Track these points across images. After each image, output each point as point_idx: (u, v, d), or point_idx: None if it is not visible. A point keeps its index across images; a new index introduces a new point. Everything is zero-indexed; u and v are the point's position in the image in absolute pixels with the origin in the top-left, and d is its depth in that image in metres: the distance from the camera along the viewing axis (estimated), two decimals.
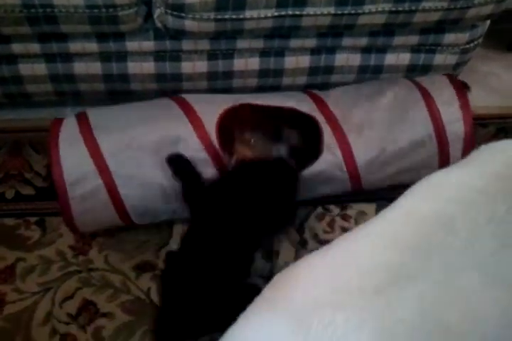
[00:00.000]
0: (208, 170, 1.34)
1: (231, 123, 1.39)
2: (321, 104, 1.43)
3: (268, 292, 0.86)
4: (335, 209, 1.53)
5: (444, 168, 1.39)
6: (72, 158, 1.32)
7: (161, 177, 1.33)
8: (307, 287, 0.82)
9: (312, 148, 1.41)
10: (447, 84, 1.45)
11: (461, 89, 1.44)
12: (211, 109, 1.38)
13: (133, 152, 1.33)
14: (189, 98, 1.41)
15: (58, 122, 1.37)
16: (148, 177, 1.34)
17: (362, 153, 1.40)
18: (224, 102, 1.40)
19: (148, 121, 1.37)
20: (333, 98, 1.46)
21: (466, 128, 1.40)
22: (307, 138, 1.43)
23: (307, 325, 0.73)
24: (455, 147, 1.42)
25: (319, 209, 1.53)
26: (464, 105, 1.41)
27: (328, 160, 1.39)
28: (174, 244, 1.46)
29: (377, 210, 1.53)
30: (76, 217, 1.34)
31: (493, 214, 0.84)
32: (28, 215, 1.49)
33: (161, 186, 1.34)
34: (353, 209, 1.53)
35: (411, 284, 0.76)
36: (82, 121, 1.36)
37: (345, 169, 1.40)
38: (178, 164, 1.33)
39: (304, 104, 1.43)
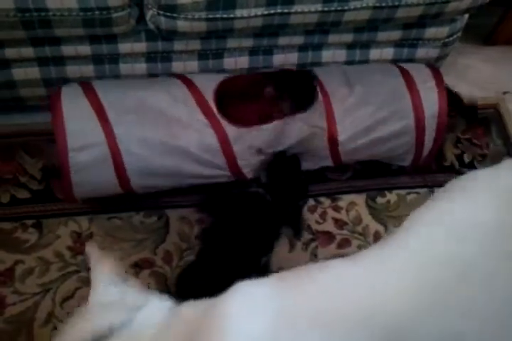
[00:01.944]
0: (207, 131, 1.40)
1: (227, 92, 1.45)
2: None
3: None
4: (326, 201, 1.57)
5: (419, 140, 1.48)
6: (74, 114, 1.36)
7: (160, 135, 1.38)
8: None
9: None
10: (423, 67, 1.53)
11: (436, 70, 1.51)
12: (207, 82, 1.45)
13: (134, 112, 1.39)
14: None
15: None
16: (148, 136, 1.38)
17: (342, 116, 1.46)
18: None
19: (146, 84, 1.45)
20: (324, 71, 1.52)
21: (440, 103, 1.47)
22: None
23: None
24: (430, 122, 1.48)
25: (311, 202, 1.57)
26: (439, 83, 1.48)
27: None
28: (171, 242, 1.48)
29: (367, 201, 1.57)
30: (74, 176, 1.36)
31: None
32: (24, 218, 1.51)
33: (161, 143, 1.38)
34: (343, 201, 1.58)
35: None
36: (86, 85, 1.42)
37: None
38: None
39: None
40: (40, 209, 1.52)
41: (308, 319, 0.81)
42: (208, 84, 1.42)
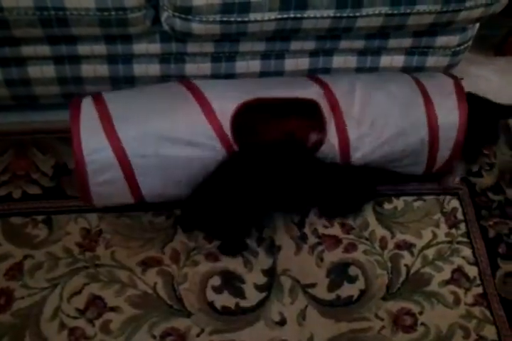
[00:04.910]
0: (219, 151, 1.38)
1: (244, 115, 1.42)
2: (327, 91, 1.46)
3: None
4: None
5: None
6: (92, 144, 1.34)
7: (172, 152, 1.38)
8: None
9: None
10: (450, 88, 1.50)
11: (461, 90, 1.49)
12: (225, 103, 1.40)
13: (150, 138, 1.37)
14: (202, 87, 1.43)
15: (77, 106, 1.39)
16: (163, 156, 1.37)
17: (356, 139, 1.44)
18: (234, 92, 1.44)
19: (166, 113, 1.40)
20: (340, 86, 1.48)
21: (460, 124, 1.47)
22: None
23: None
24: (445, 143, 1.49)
25: None
26: (462, 111, 1.47)
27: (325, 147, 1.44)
28: (178, 241, 1.50)
29: (374, 206, 1.58)
30: (93, 190, 1.38)
31: None
32: (35, 214, 1.52)
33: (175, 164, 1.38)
34: None
35: None
36: (102, 110, 1.38)
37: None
38: None
39: (311, 91, 1.46)
40: (51, 205, 1.54)
41: None
42: (226, 108, 1.39)
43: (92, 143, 1.34)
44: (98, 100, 1.40)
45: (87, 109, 1.38)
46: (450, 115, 1.47)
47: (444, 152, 1.50)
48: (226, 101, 1.40)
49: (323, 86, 1.47)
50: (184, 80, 1.48)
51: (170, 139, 1.36)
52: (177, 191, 1.42)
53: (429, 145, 1.48)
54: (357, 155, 1.44)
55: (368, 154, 1.45)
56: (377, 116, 1.45)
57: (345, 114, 1.43)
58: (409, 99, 1.47)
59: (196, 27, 1.38)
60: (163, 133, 1.37)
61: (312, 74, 1.57)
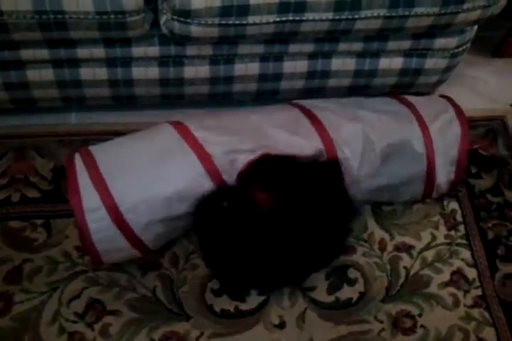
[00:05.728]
0: None
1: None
2: (326, 141, 1.40)
3: None
4: None
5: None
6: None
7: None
8: None
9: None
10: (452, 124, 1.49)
11: (461, 114, 1.50)
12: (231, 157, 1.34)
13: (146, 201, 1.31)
14: (200, 137, 1.35)
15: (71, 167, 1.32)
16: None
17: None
18: (236, 145, 1.36)
19: (162, 172, 1.32)
20: (342, 135, 1.42)
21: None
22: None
23: None
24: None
25: None
26: (463, 146, 1.48)
27: None
28: (178, 244, 1.50)
29: (373, 208, 1.59)
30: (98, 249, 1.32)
31: None
32: (33, 218, 1.52)
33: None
34: None
35: None
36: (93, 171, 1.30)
37: None
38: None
39: (312, 144, 1.40)
40: (50, 209, 1.54)
41: None
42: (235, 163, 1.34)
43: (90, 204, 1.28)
44: (88, 160, 1.32)
45: (79, 167, 1.31)
46: (450, 151, 1.48)
47: (443, 186, 1.52)
48: (230, 156, 1.34)
49: (325, 136, 1.41)
50: (177, 125, 1.39)
51: (170, 201, 1.31)
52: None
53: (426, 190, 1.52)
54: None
55: (364, 198, 1.47)
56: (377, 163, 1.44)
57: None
58: (407, 139, 1.46)
59: (195, 30, 1.38)
60: (161, 196, 1.30)
61: (316, 120, 1.44)
